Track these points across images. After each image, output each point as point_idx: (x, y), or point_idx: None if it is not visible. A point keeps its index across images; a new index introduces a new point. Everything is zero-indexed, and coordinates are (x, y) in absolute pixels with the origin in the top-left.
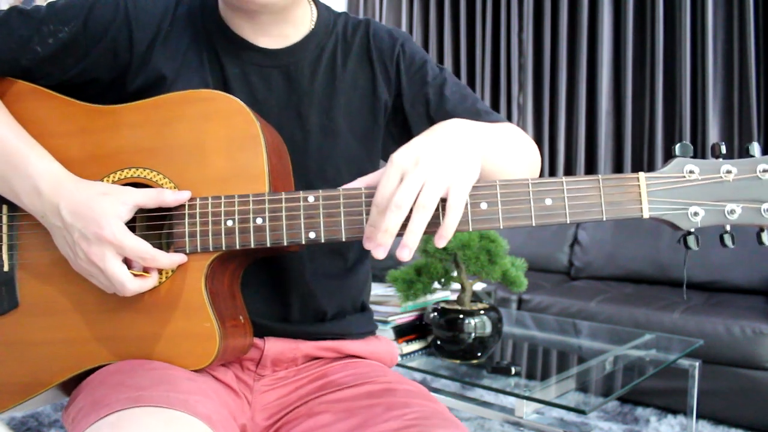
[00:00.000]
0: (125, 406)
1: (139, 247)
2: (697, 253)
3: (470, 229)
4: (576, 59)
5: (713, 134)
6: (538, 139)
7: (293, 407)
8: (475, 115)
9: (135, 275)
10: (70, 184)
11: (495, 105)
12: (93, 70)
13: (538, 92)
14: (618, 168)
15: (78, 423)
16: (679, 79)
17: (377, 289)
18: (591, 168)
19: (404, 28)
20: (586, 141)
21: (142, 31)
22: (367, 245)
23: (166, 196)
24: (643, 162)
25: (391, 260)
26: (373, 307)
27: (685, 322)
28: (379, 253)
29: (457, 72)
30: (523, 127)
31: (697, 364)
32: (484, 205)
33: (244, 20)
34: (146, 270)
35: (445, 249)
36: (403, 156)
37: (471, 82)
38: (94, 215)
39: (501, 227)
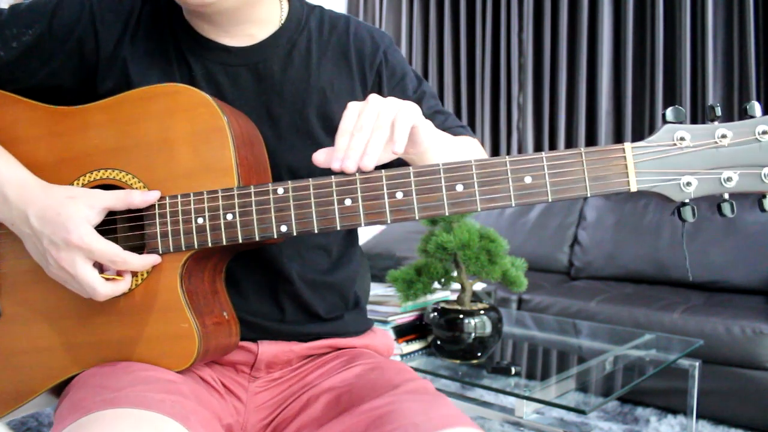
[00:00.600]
0: (100, 408)
1: (109, 250)
2: (698, 253)
3: (446, 213)
4: (576, 59)
5: None
6: (537, 139)
7: (288, 403)
8: (447, 132)
9: (107, 279)
10: (37, 190)
11: (495, 105)
12: (60, 73)
13: (538, 92)
14: None
15: (56, 425)
16: (679, 79)
17: (377, 289)
18: None
19: (404, 28)
20: (586, 141)
21: (108, 31)
22: (334, 165)
23: (134, 198)
24: None
25: (391, 260)
26: (373, 307)
27: (685, 322)
28: (349, 165)
29: (457, 72)
30: (523, 127)
31: (697, 364)
32: (459, 187)
33: (202, 21)
34: (120, 273)
35: (444, 249)
36: (356, 102)
37: (471, 82)
38: (61, 220)
39: (479, 210)
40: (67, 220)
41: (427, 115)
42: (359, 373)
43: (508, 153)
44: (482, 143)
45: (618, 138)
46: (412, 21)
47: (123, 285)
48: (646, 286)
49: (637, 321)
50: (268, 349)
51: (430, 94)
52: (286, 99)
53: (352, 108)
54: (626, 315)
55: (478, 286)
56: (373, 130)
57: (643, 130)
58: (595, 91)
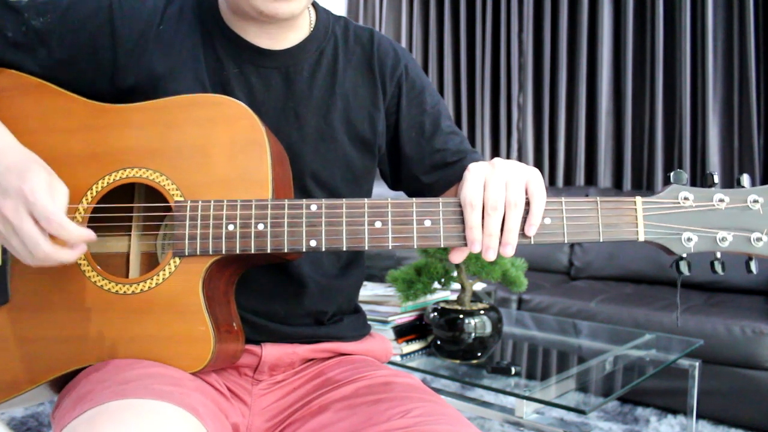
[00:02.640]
0: (109, 399)
1: (49, 207)
2: (698, 252)
3: None
4: (576, 59)
5: (713, 134)
6: (537, 140)
7: (293, 409)
8: (462, 153)
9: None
10: (16, 151)
11: (495, 105)
12: (73, 65)
13: (538, 92)
14: (618, 169)
15: (61, 419)
16: (679, 79)
17: (377, 289)
18: (591, 168)
19: (404, 28)
20: (586, 141)
21: (128, 28)
22: (474, 249)
23: (67, 229)
24: (643, 162)
25: (391, 260)
26: (373, 307)
27: (685, 322)
28: (490, 255)
29: (457, 72)
30: (523, 127)
31: (697, 364)
32: None
33: (250, 25)
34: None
35: (445, 249)
36: (478, 165)
37: (471, 82)
38: (20, 169)
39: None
40: (25, 170)
41: (446, 133)
42: (370, 386)
43: (508, 153)
44: (482, 143)
45: (617, 138)
46: (412, 21)
47: (67, 254)
48: (646, 286)
49: (637, 321)
50: (271, 351)
51: (446, 114)
52: (312, 103)
53: (476, 172)
54: (626, 315)
55: (478, 286)
56: (508, 208)
57: (642, 130)
58: (595, 91)
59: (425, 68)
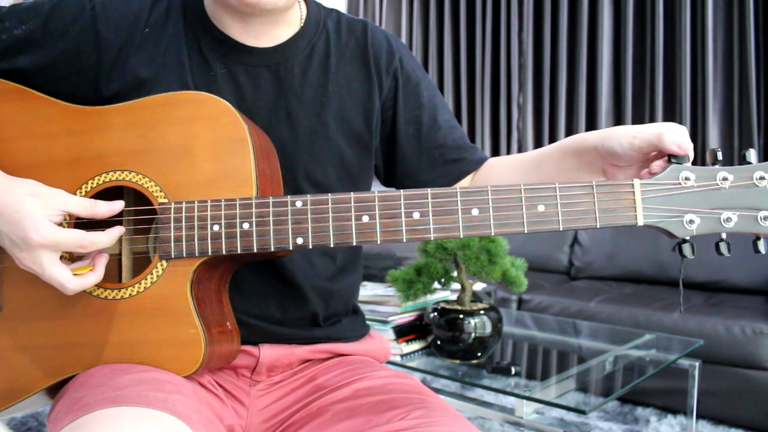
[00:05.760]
0: (101, 406)
1: (75, 237)
2: (697, 252)
3: (461, 236)
4: (576, 59)
5: (713, 134)
6: (537, 139)
7: (292, 410)
8: (462, 149)
9: (76, 273)
10: None
11: (495, 105)
12: (52, 72)
13: (538, 92)
14: None
15: (55, 424)
16: (679, 79)
17: (377, 289)
18: None
19: (404, 28)
20: None
21: (113, 32)
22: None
23: (99, 208)
24: None
25: (391, 260)
26: (373, 307)
27: (685, 322)
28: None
29: (457, 72)
30: (523, 127)
31: (697, 364)
32: (475, 211)
33: (235, 21)
34: (93, 263)
35: (445, 249)
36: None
37: (471, 82)
38: (19, 218)
39: (492, 234)
40: (25, 218)
41: (444, 128)
42: (369, 388)
43: (508, 153)
44: (482, 143)
45: None
46: (412, 21)
47: (92, 278)
48: (646, 286)
49: (637, 321)
50: (269, 352)
51: (444, 107)
52: (304, 101)
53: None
54: (626, 315)
55: (478, 286)
56: None
57: None
58: (595, 91)
59: (425, 68)
